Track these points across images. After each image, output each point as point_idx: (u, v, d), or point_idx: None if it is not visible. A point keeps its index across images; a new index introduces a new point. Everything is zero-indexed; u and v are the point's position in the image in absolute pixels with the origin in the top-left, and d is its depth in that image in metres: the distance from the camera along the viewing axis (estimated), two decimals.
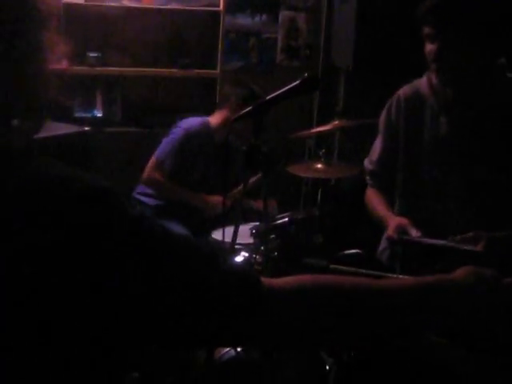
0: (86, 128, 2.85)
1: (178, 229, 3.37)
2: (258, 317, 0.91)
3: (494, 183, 2.17)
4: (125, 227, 0.84)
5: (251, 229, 3.04)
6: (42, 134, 2.57)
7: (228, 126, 3.53)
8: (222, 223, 3.49)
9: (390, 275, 1.39)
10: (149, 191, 3.69)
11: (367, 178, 2.60)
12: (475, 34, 1.98)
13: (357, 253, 2.56)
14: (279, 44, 4.57)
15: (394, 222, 2.26)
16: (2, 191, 0.82)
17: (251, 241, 3.02)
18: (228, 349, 2.52)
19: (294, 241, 3.13)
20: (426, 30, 2.10)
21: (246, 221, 3.19)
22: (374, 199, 2.51)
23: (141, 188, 3.73)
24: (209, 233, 3.31)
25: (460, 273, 1.07)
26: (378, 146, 2.53)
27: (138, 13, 4.34)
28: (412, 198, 2.38)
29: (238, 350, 2.48)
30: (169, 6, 4.33)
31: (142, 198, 3.70)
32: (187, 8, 4.35)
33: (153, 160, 3.62)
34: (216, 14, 4.38)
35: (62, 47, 0.92)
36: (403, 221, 2.23)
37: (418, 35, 3.53)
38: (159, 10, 4.36)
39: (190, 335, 0.89)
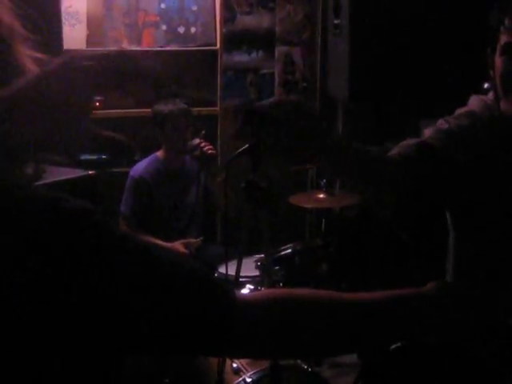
0: (91, 172, 2.93)
1: None
2: (232, 327, 0.95)
3: None
4: (109, 243, 0.90)
5: (256, 261, 3.10)
6: (46, 180, 2.64)
7: (180, 151, 3.73)
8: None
9: None
10: None
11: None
12: None
13: None
14: (276, 79, 4.66)
15: None
16: None
17: (256, 273, 3.08)
18: (239, 379, 2.57)
19: (299, 271, 3.19)
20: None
21: None
22: None
23: None
24: (214, 268, 3.36)
25: (428, 287, 1.11)
26: None
27: (138, 55, 4.43)
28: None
29: (248, 380, 2.53)
30: (167, 48, 4.44)
31: None
32: (185, 48, 4.45)
33: (120, 217, 3.74)
34: (213, 53, 4.49)
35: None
36: None
37: (411, 64, 3.62)
38: (158, 52, 4.46)
39: (167, 345, 0.95)
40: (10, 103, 0.89)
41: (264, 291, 1.04)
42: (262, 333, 0.99)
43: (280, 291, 1.06)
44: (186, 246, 3.62)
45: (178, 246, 3.60)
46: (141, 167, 3.76)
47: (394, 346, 1.59)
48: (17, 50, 0.93)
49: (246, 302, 1.00)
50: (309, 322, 1.02)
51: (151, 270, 0.92)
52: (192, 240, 3.69)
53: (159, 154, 3.82)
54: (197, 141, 3.65)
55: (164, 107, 3.72)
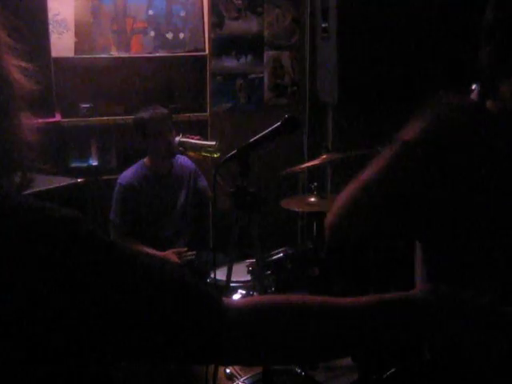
0: (80, 179, 2.92)
1: None
2: (221, 334, 0.96)
3: None
4: (97, 251, 0.90)
5: (247, 266, 3.11)
6: (36, 189, 2.62)
7: (165, 155, 3.69)
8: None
9: None
10: None
11: None
12: None
13: None
14: (266, 83, 4.67)
15: None
16: None
17: (248, 278, 3.08)
18: None
19: (290, 275, 3.19)
20: None
21: None
22: None
23: None
24: (206, 274, 3.35)
25: (418, 290, 1.10)
26: None
27: (126, 62, 4.44)
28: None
29: None
30: (156, 54, 4.44)
31: None
32: (174, 54, 4.46)
33: (110, 225, 3.74)
34: (202, 59, 4.49)
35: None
36: None
37: (401, 66, 3.63)
38: (147, 59, 4.46)
39: (155, 352, 0.95)
40: None
41: (253, 298, 1.03)
42: (252, 339, 0.99)
43: (270, 297, 1.06)
44: (178, 255, 3.61)
45: (170, 255, 3.59)
46: (128, 174, 3.76)
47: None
48: (2, 59, 0.93)
49: (235, 308, 1.00)
50: (299, 327, 1.02)
51: (139, 277, 0.92)
52: (183, 250, 3.67)
53: (146, 160, 3.81)
54: (177, 139, 3.61)
55: (144, 114, 3.69)
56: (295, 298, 1.07)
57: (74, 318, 0.86)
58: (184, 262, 3.58)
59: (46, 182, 2.62)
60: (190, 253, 3.65)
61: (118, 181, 3.75)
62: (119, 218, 3.68)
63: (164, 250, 3.62)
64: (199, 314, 0.95)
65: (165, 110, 3.73)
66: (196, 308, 0.95)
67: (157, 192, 3.75)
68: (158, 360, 0.99)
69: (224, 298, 1.01)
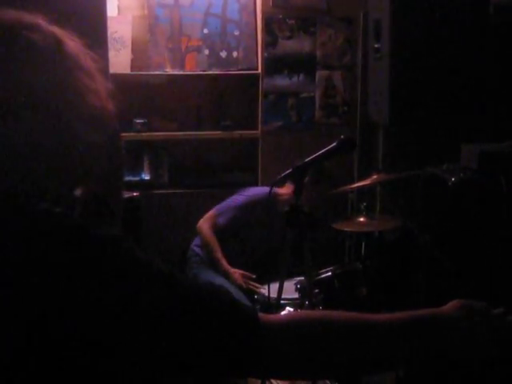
0: (135, 193, 2.99)
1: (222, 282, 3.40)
2: (255, 349, 0.97)
3: None
4: (135, 270, 0.93)
5: (296, 284, 3.12)
6: None
7: (314, 206, 3.58)
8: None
9: None
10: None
11: None
12: None
13: None
14: (317, 102, 4.69)
15: None
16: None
17: (296, 296, 3.10)
18: None
19: (338, 295, 3.20)
20: None
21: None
22: None
23: (197, 240, 3.83)
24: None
25: (449, 306, 1.12)
26: None
27: (180, 79, 4.52)
28: None
29: None
30: (210, 72, 4.51)
31: (197, 250, 3.78)
32: (227, 72, 4.52)
33: (211, 211, 3.75)
34: (255, 77, 4.55)
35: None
36: None
37: (452, 88, 3.62)
38: (201, 76, 4.54)
39: (191, 367, 0.97)
40: None
41: (286, 314, 1.05)
42: (287, 352, 1.01)
43: (301, 313, 1.08)
44: (244, 278, 3.57)
45: (236, 274, 3.56)
46: (261, 194, 3.73)
47: None
48: (79, 84, 0.98)
49: (271, 323, 1.01)
50: (333, 342, 1.03)
51: (174, 294, 0.95)
52: (252, 276, 3.60)
53: (280, 191, 3.71)
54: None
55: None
56: (329, 313, 1.09)
57: (108, 333, 0.89)
58: (246, 285, 3.54)
59: None
60: (260, 288, 3.52)
61: (249, 193, 3.78)
62: (226, 220, 3.70)
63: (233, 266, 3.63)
64: (233, 329, 0.97)
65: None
66: (230, 322, 0.97)
67: (264, 222, 3.74)
68: (193, 374, 1.01)
69: (260, 314, 1.02)
